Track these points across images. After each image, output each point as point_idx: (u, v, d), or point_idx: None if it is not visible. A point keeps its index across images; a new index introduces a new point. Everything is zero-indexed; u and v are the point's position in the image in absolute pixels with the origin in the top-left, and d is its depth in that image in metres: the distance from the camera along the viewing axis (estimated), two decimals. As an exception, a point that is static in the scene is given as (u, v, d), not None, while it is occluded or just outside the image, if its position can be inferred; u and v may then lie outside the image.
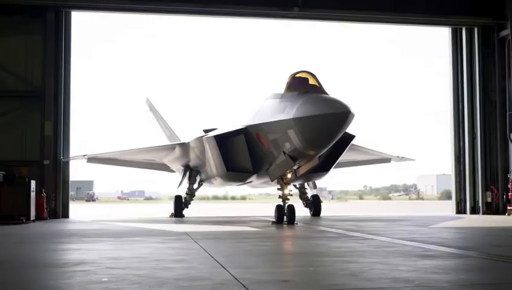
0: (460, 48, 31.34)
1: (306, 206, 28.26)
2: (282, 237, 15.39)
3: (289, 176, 19.40)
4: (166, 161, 28.14)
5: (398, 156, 30.47)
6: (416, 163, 33.09)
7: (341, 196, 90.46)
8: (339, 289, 6.59)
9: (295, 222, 19.28)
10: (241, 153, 20.96)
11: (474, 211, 30.45)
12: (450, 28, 31.68)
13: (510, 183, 28.92)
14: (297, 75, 18.15)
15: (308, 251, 11.43)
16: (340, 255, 10.03)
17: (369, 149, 27.82)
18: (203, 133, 23.90)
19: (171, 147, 26.74)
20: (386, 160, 30.36)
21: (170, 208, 28.66)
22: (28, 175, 23.63)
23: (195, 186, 27.08)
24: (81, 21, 33.39)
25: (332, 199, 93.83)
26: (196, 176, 26.57)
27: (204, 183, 27.10)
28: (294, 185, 26.22)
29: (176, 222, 22.74)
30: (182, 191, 27.65)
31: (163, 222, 23.05)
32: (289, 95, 17.84)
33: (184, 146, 25.57)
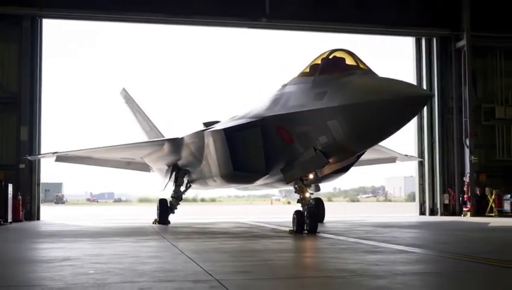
0: (421, 57, 33.00)
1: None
2: (254, 236, 16.60)
3: (311, 176, 16.53)
4: (148, 160, 25.19)
5: (406, 155, 30.77)
6: (385, 165, 34.35)
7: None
8: (291, 278, 7.82)
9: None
10: (254, 150, 17.53)
11: (433, 212, 32.09)
12: (414, 37, 33.32)
13: (466, 186, 30.63)
14: (333, 55, 15.02)
15: (270, 248, 12.66)
16: (298, 251, 11.29)
17: (382, 147, 23.70)
18: (202, 127, 21.21)
19: (159, 144, 23.65)
20: (392, 159, 27.56)
21: (142, 210, 29.43)
22: (4, 179, 24.41)
23: (182, 188, 23.95)
24: (59, 22, 34.22)
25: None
26: (184, 176, 23.46)
27: (194, 185, 24.03)
28: (295, 188, 24.48)
29: (163, 233, 17.37)
30: (164, 194, 24.92)
31: (146, 233, 17.45)
32: (325, 78, 14.55)
33: (175, 142, 22.39)
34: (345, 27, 30.94)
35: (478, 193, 30.73)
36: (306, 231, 15.98)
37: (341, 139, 14.07)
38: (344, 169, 17.71)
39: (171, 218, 23.57)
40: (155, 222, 23.13)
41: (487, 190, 30.73)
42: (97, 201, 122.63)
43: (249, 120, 18.02)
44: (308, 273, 8.16)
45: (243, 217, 31.04)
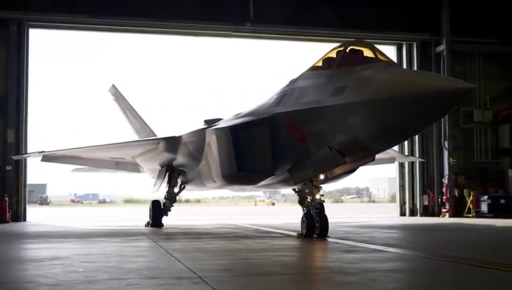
0: (402, 61, 33.74)
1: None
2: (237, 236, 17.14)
3: (322, 177, 15.49)
4: (139, 160, 24.11)
5: (406, 155, 30.52)
6: (369, 167, 35.05)
7: (294, 199, 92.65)
8: (269, 275, 8.38)
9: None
10: (261, 149, 16.39)
11: (413, 213, 32.86)
12: (395, 43, 34.08)
13: (444, 188, 31.41)
14: (350, 47, 14.09)
15: (251, 248, 13.21)
16: (278, 251, 11.86)
17: None
18: (203, 125, 20.25)
19: (153, 143, 22.55)
20: (391, 159, 26.10)
21: (128, 211, 29.71)
22: (-10, 180, 24.76)
23: (176, 189, 22.99)
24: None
25: (285, 201, 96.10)
26: (178, 177, 22.56)
27: (189, 186, 23.01)
28: (294, 189, 23.01)
29: (148, 234, 17.68)
30: (156, 195, 23.90)
31: (132, 234, 17.72)
32: (344, 72, 13.57)
33: (172, 141, 21.32)
34: (326, 31, 31.55)
35: (456, 194, 31.56)
36: (315, 235, 14.99)
37: (363, 137, 13.14)
38: (352, 169, 16.75)
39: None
40: (147, 224, 22.07)
41: (465, 191, 31.57)
42: (81, 202, 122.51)
43: (256, 117, 16.86)
44: (285, 271, 8.72)
45: (230, 219, 31.58)
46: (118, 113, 31.31)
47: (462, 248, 13.19)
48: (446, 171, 31.65)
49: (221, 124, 18.82)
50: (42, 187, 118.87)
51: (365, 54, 13.63)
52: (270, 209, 66.41)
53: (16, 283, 7.74)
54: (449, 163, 31.43)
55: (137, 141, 26.22)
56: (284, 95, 15.97)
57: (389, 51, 34.64)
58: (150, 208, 22.71)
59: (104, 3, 27.86)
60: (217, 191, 27.98)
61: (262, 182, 18.09)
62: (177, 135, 21.25)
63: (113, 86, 31.18)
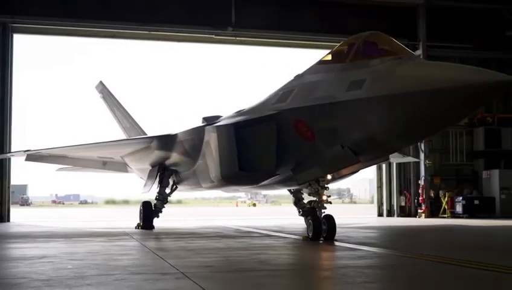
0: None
1: (302, 214, 22.30)
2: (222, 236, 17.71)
3: (329, 176, 14.74)
4: (129, 159, 23.33)
5: (403, 156, 31.17)
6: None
7: (275, 199, 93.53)
8: (247, 271, 8.97)
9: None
10: (265, 147, 15.52)
11: (390, 214, 33.67)
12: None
13: (421, 189, 32.24)
14: (365, 39, 13.26)
15: (232, 246, 13.78)
16: (257, 249, 12.45)
17: None
18: (202, 122, 19.08)
19: (146, 141, 21.69)
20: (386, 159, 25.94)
21: (110, 213, 30.04)
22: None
23: (167, 190, 22.24)
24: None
25: (266, 202, 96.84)
26: (170, 177, 21.84)
27: (182, 187, 22.31)
28: (289, 190, 22.63)
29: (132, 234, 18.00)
30: (147, 196, 23.07)
31: (116, 234, 18.03)
32: (360, 65, 12.74)
33: (166, 139, 20.55)
34: (309, 36, 32.21)
35: (432, 195, 32.41)
36: (322, 238, 14.29)
37: (381, 134, 12.38)
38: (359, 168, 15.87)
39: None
40: (138, 226, 21.27)
41: (441, 192, 32.45)
42: (63, 203, 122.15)
43: (261, 114, 15.90)
44: (263, 267, 9.30)
45: (213, 219, 32.11)
46: (106, 112, 30.52)
47: (432, 246, 13.91)
48: (422, 173, 32.46)
49: (223, 121, 17.77)
50: (23, 188, 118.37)
51: (381, 47, 12.83)
52: (251, 210, 67.06)
53: (9, 278, 8.23)
54: (425, 165, 32.24)
55: (128, 139, 25.27)
56: (290, 91, 15.05)
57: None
58: (140, 209, 21.85)
59: (88, 8, 28.21)
60: (201, 192, 26.01)
61: (262, 183, 17.44)
62: (172, 133, 20.38)
63: (101, 82, 30.23)
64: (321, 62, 14.57)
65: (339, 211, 48.90)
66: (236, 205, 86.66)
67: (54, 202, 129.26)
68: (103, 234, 18.33)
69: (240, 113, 17.70)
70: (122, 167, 25.34)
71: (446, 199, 31.88)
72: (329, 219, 14.51)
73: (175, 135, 20.12)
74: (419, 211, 32.17)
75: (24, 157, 23.42)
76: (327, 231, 14.27)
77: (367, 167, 15.89)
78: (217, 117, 18.92)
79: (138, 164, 23.42)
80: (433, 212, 31.85)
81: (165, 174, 21.64)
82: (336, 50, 14.23)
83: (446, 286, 7.54)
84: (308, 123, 14.09)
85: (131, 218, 29.37)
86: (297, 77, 15.24)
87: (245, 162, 16.03)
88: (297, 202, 22.89)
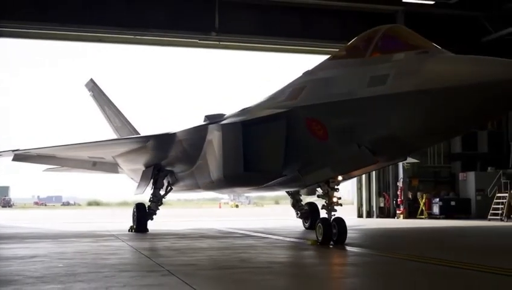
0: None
1: (300, 217, 22.61)
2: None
3: (340, 178, 14.03)
4: (121, 159, 22.49)
5: None
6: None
7: (257, 201, 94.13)
8: (228, 269, 9.58)
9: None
10: (273, 147, 14.69)
11: (370, 215, 34.46)
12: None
13: (399, 191, 33.04)
14: (385, 33, 12.51)
15: (214, 246, 14.38)
16: (238, 249, 13.07)
17: None
18: (204, 121, 18.31)
19: (141, 140, 20.79)
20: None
21: (94, 215, 30.24)
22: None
23: (162, 191, 21.37)
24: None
25: (249, 203, 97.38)
26: (164, 178, 21.14)
27: (177, 188, 21.62)
28: (287, 192, 22.42)
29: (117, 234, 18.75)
30: (140, 198, 22.41)
31: (102, 235, 19.39)
32: (381, 59, 12.00)
33: (164, 138, 19.71)
34: (289, 41, 32.87)
35: (410, 196, 33.20)
36: (332, 243, 13.46)
37: (405, 132, 11.60)
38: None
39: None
40: (131, 229, 20.45)
41: (418, 194, 33.25)
42: (45, 205, 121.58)
43: (271, 112, 14.95)
44: (243, 265, 9.93)
45: (198, 221, 32.61)
46: (96, 111, 29.48)
47: (404, 245, 14.64)
48: (401, 175, 33.20)
49: (228, 120, 16.86)
50: (5, 189, 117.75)
51: (404, 40, 12.09)
52: (234, 211, 67.60)
53: (4, 276, 8.76)
54: (404, 167, 32.99)
55: (123, 138, 24.19)
56: (301, 88, 14.14)
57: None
58: (133, 212, 20.97)
59: (73, 13, 28.56)
60: (191, 193, 25.57)
61: (266, 184, 16.54)
62: (170, 131, 19.52)
63: (91, 80, 29.23)
64: (334, 58, 13.80)
65: (321, 213, 49.88)
66: (219, 207, 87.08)
67: (36, 203, 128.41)
68: (90, 235, 18.83)
69: (245, 111, 16.77)
70: (112, 168, 24.67)
71: (424, 200, 32.69)
72: (340, 221, 13.65)
73: (174, 134, 19.26)
74: (397, 212, 32.95)
75: (11, 157, 22.50)
76: (338, 234, 13.47)
77: (381, 167, 15.51)
78: (220, 115, 18.03)
79: (131, 165, 22.66)
80: (411, 213, 32.60)
81: (159, 175, 20.94)
82: (351, 45, 13.46)
83: (410, 281, 8.23)
84: (322, 121, 13.18)
85: (116, 219, 29.84)
86: (307, 73, 14.52)
87: (250, 162, 15.25)
88: (295, 203, 22.54)
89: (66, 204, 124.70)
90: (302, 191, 21.18)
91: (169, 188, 21.60)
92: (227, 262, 10.52)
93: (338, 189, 14.08)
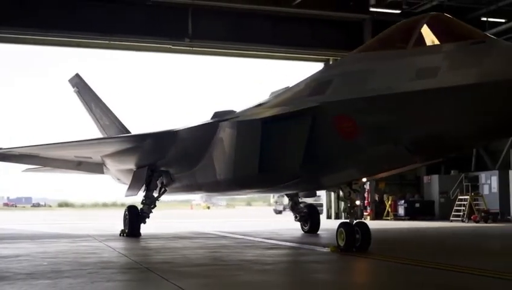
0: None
1: (299, 220, 21.66)
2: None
3: (364, 179, 13.32)
4: (111, 159, 21.28)
5: None
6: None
7: (230, 202, 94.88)
8: (202, 266, 10.45)
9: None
10: (293, 146, 13.40)
11: (338, 216, 35.52)
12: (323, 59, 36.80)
13: (366, 193, 34.17)
14: (431, 22, 11.28)
15: (188, 246, 15.19)
16: (211, 249, 13.93)
17: None
18: (212, 118, 17.25)
19: (137, 139, 19.75)
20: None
21: (66, 216, 30.51)
22: None
23: (155, 193, 20.12)
24: None
25: (220, 205, 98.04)
26: (158, 179, 19.83)
27: (171, 189, 20.29)
28: (287, 195, 21.72)
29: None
30: (131, 200, 21.74)
31: (79, 235, 21.03)
32: (428, 50, 10.89)
33: (164, 136, 18.68)
34: (261, 47, 33.78)
35: (377, 198, 34.42)
36: (354, 249, 12.49)
37: (456, 130, 10.53)
38: None
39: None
40: (122, 233, 19.27)
41: (385, 196, 34.49)
42: (15, 206, 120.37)
43: (295, 107, 13.58)
44: (215, 263, 10.81)
45: (172, 222, 33.30)
46: (80, 108, 27.77)
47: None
48: (368, 178, 34.32)
49: (242, 117, 15.68)
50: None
51: (451, 29, 11.05)
52: (206, 212, 68.33)
53: (-6, 273, 9.49)
54: (371, 170, 34.11)
55: (115, 137, 22.74)
56: (328, 82, 12.84)
57: (318, 67, 37.33)
58: (125, 215, 19.77)
59: (50, 19, 29.01)
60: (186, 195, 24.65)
61: (276, 186, 15.72)
62: (172, 129, 18.46)
63: (77, 75, 27.34)
64: (365, 49, 12.66)
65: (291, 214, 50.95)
66: (191, 208, 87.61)
67: (6, 205, 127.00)
68: (66, 236, 19.47)
69: (262, 107, 15.60)
70: (97, 168, 23.37)
71: (390, 202, 33.90)
72: (364, 226, 12.72)
73: (176, 132, 18.11)
74: (364, 213, 34.04)
75: None
76: (361, 240, 12.50)
77: (415, 167, 14.47)
78: (231, 112, 17.01)
79: (121, 165, 21.39)
80: (377, 215, 33.82)
81: (153, 176, 19.65)
82: (386, 35, 12.32)
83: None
84: (353, 117, 11.93)
85: (90, 220, 30.30)
86: (331, 67, 13.41)
87: (264, 162, 14.01)
88: (294, 206, 21.71)
89: (37, 205, 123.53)
90: (301, 193, 20.86)
91: (163, 189, 20.15)
92: (201, 260, 11.38)
93: (360, 191, 13.29)
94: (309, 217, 21.19)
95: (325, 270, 10.13)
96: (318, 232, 20.56)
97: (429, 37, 11.02)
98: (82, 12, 29.32)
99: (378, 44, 12.36)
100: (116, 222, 22.85)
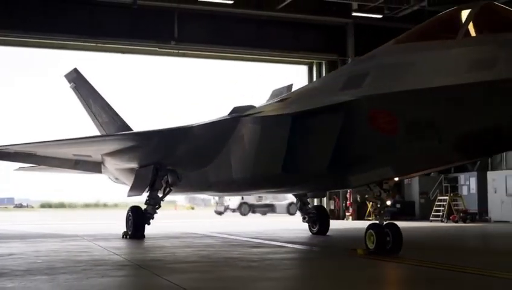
0: (312, 79, 37.06)
1: (307, 221, 20.89)
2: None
3: (396, 178, 12.58)
4: (111, 158, 20.32)
5: None
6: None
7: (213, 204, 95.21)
8: (190, 263, 10.97)
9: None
10: (323, 143, 12.61)
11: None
12: (307, 62, 37.46)
13: (348, 194, 34.88)
14: (482, 11, 10.55)
15: (176, 245, 15.68)
16: (198, 247, 14.44)
17: None
18: (230, 113, 16.50)
19: (144, 136, 18.91)
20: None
21: (49, 216, 30.61)
22: None
23: (160, 193, 19.25)
24: None
25: (205, 206, 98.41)
26: (163, 178, 18.77)
27: (177, 189, 19.28)
28: (294, 195, 21.33)
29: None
30: (135, 200, 21.03)
31: (67, 235, 22.14)
32: (481, 41, 10.27)
33: (175, 133, 17.84)
34: (244, 50, 34.38)
35: (358, 199, 35.09)
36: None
37: None
38: None
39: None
40: (125, 235, 18.45)
41: (366, 197, 35.08)
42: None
43: (329, 102, 12.60)
44: (203, 260, 11.33)
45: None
46: (78, 106, 26.40)
47: (345, 244, 16.25)
48: (350, 179, 34.96)
49: (266, 113, 14.89)
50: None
51: (507, 19, 10.28)
52: (190, 213, 68.73)
53: (-8, 270, 9.92)
54: (353, 171, 34.78)
55: (120, 134, 21.51)
56: (363, 74, 12.01)
57: (301, 70, 38.02)
58: (128, 215, 18.87)
59: (36, 21, 29.28)
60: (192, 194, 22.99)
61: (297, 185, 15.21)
62: (185, 125, 17.66)
63: (75, 70, 25.86)
64: (403, 41, 11.78)
65: (276, 215, 51.59)
66: (175, 209, 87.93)
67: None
68: (56, 236, 19.84)
69: (286, 101, 14.75)
70: (95, 167, 22.40)
71: (371, 203, 34.50)
72: (394, 227, 12.09)
73: (189, 128, 17.34)
74: (346, 214, 34.81)
75: None
76: (392, 242, 11.87)
77: (449, 166, 13.51)
78: (250, 107, 16.29)
79: (122, 163, 20.36)
80: (359, 215, 34.50)
81: (158, 175, 18.66)
82: (426, 27, 11.66)
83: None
84: (394, 112, 11.24)
85: (74, 221, 30.55)
86: (362, 60, 13.19)
87: (287, 160, 13.37)
88: (302, 206, 21.08)
89: (19, 206, 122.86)
90: (309, 194, 20.55)
91: (168, 189, 19.07)
92: (190, 258, 11.89)
93: (390, 191, 12.53)
94: (318, 219, 20.53)
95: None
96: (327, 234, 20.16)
97: (480, 26, 10.41)
98: (69, 16, 29.69)
99: (419, 35, 11.47)
100: (101, 222, 23.16)
